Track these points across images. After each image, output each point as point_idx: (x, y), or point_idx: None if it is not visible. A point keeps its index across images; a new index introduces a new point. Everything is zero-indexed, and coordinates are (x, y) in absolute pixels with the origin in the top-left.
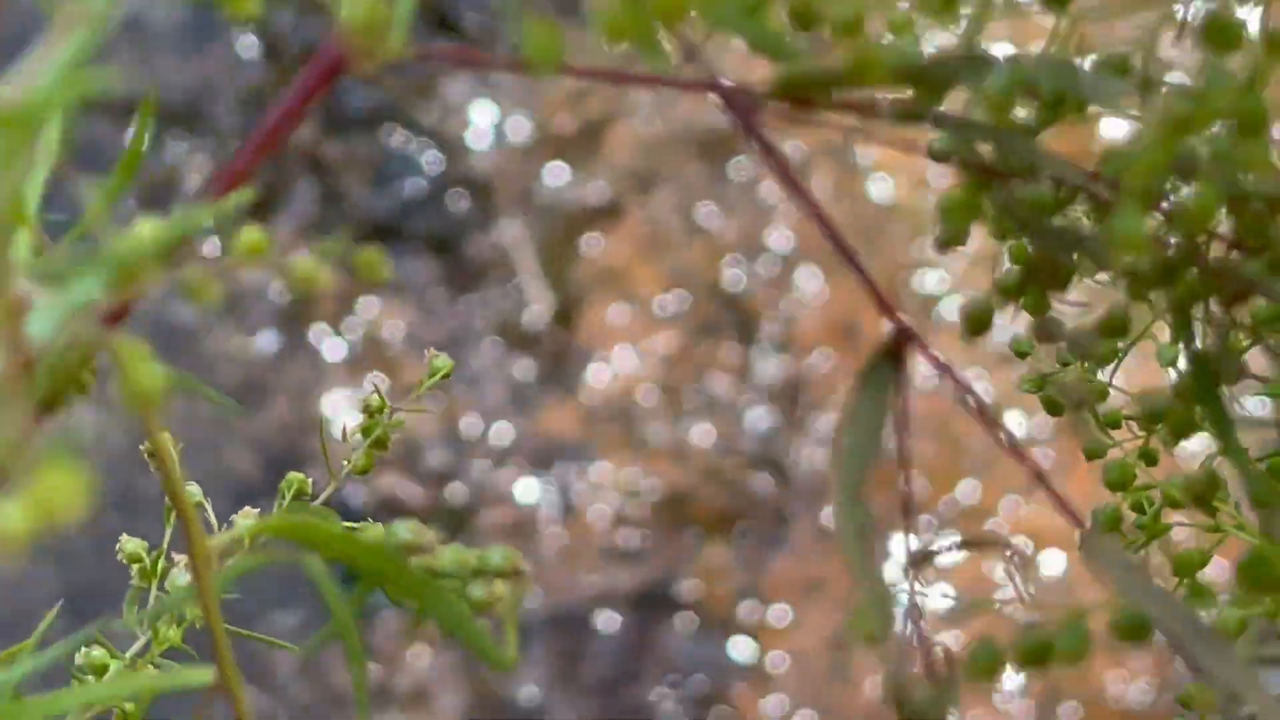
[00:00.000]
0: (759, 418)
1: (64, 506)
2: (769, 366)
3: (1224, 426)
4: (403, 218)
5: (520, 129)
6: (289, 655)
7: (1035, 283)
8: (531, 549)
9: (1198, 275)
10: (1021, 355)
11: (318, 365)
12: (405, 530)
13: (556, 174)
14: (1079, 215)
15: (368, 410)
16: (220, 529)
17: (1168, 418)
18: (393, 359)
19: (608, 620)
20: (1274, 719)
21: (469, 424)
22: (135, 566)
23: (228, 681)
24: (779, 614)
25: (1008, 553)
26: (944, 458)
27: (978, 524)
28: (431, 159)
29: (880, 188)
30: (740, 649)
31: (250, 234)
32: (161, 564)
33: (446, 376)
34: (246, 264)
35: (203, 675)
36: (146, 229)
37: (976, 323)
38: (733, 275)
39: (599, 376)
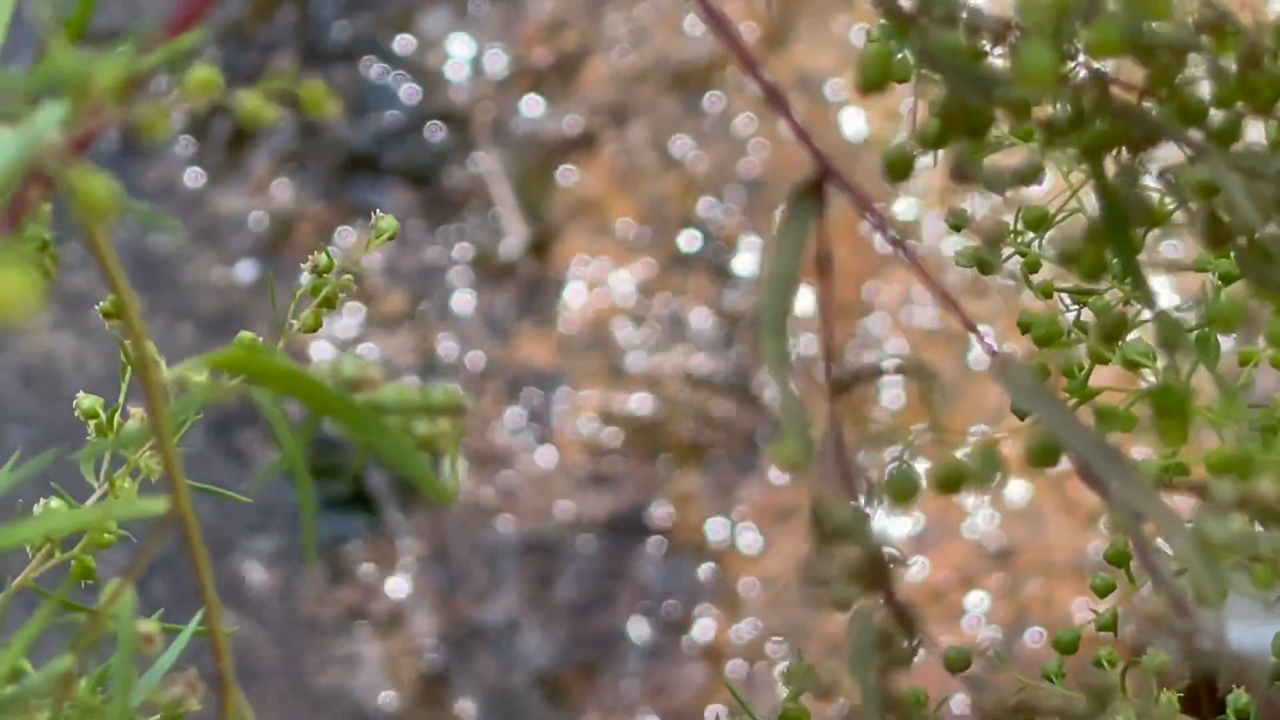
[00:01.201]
0: (731, 346)
1: (16, 303)
2: (740, 296)
3: (1132, 267)
4: (380, 149)
5: (497, 62)
6: (263, 579)
7: (954, 130)
8: (506, 476)
9: (1107, 122)
10: (956, 229)
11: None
12: (351, 365)
13: (532, 106)
14: (996, 62)
15: (315, 270)
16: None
17: (1080, 259)
18: (370, 289)
19: (580, 546)
20: (1176, 536)
21: (445, 351)
22: (92, 422)
23: (184, 517)
24: (750, 540)
25: (926, 379)
26: (911, 389)
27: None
28: (409, 91)
29: (851, 122)
30: (711, 574)
31: (202, 71)
32: (118, 419)
33: (391, 238)
34: (197, 98)
35: (157, 505)
36: (105, 62)
37: (897, 168)
38: (706, 206)
39: (573, 306)
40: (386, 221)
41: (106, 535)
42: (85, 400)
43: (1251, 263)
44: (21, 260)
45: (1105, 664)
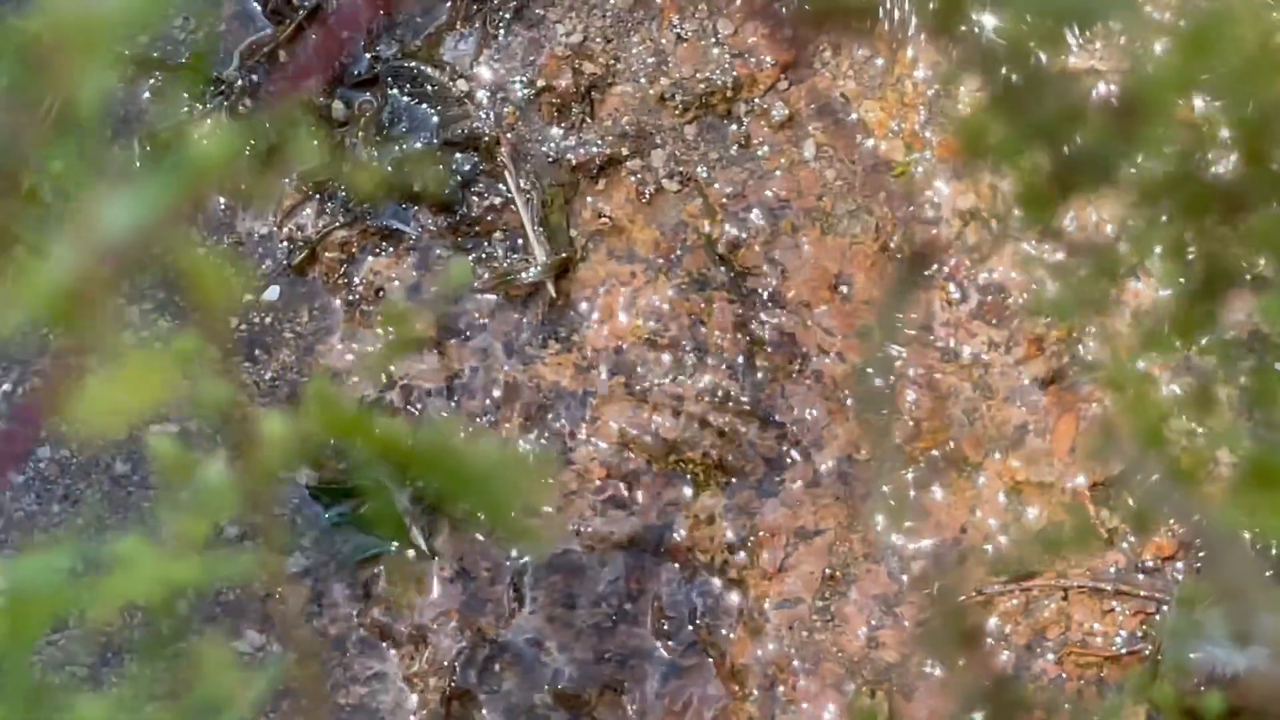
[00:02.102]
0: (753, 369)
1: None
2: (762, 318)
3: None
4: (406, 173)
5: (521, 88)
6: (289, 597)
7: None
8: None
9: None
10: None
11: (324, 316)
12: (448, 427)
13: (556, 132)
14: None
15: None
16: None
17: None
18: (395, 312)
19: (603, 566)
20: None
21: (469, 374)
22: (166, 465)
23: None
24: (771, 560)
25: None
26: (934, 412)
27: (961, 471)
28: (435, 115)
29: (875, 146)
30: (733, 596)
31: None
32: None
33: (462, 283)
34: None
35: (248, 564)
36: (214, 137)
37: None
38: (727, 230)
39: (595, 330)
40: (459, 269)
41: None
42: (161, 443)
43: None
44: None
45: None
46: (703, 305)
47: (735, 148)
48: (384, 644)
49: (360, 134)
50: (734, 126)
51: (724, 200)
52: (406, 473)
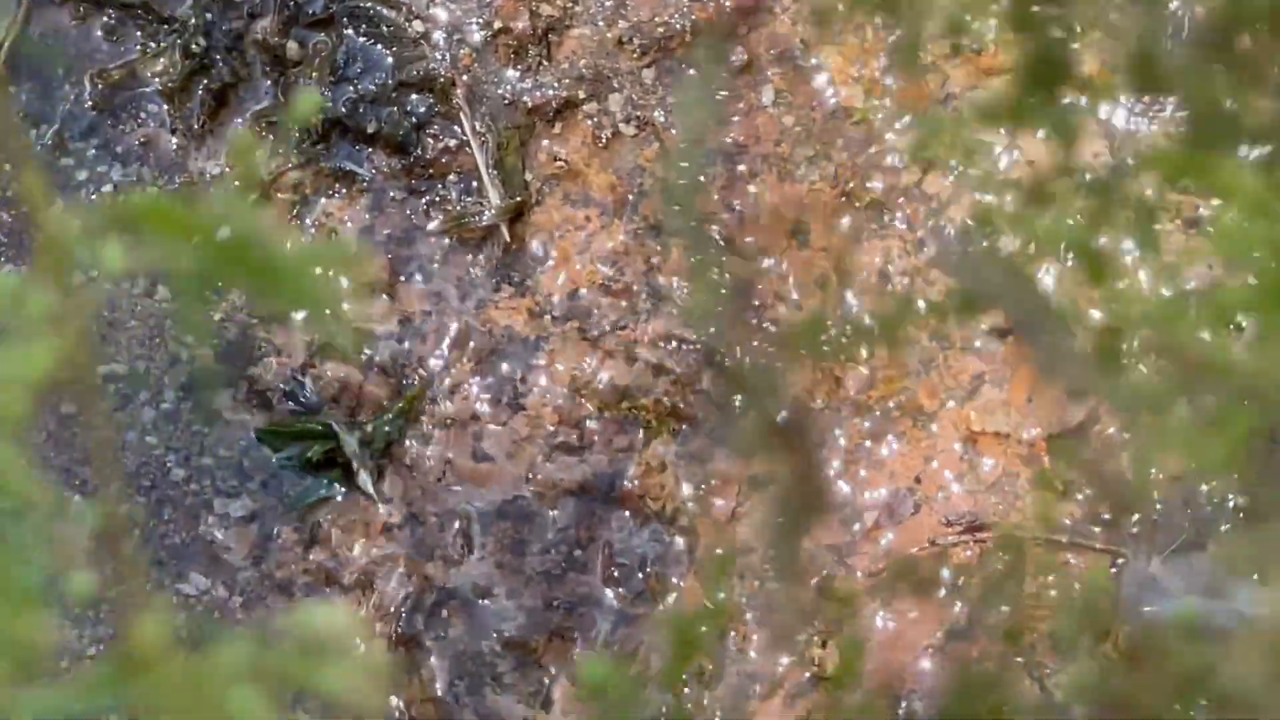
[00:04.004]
0: (709, 316)
1: None
2: (718, 265)
3: None
4: (360, 114)
5: (478, 30)
6: (237, 543)
7: None
8: (479, 442)
9: None
10: None
11: None
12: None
13: (513, 75)
14: None
15: None
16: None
17: None
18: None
19: (553, 513)
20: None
21: (421, 317)
22: None
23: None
24: (723, 509)
25: None
26: (890, 361)
27: (916, 421)
28: (390, 56)
29: (833, 93)
30: (683, 543)
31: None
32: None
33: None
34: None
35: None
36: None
37: None
38: (684, 176)
39: (549, 274)
40: (306, 99)
41: None
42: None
43: None
44: None
45: None
46: (658, 251)
47: (693, 92)
48: (329, 589)
49: (314, 74)
50: (691, 71)
51: (681, 145)
52: (215, 270)
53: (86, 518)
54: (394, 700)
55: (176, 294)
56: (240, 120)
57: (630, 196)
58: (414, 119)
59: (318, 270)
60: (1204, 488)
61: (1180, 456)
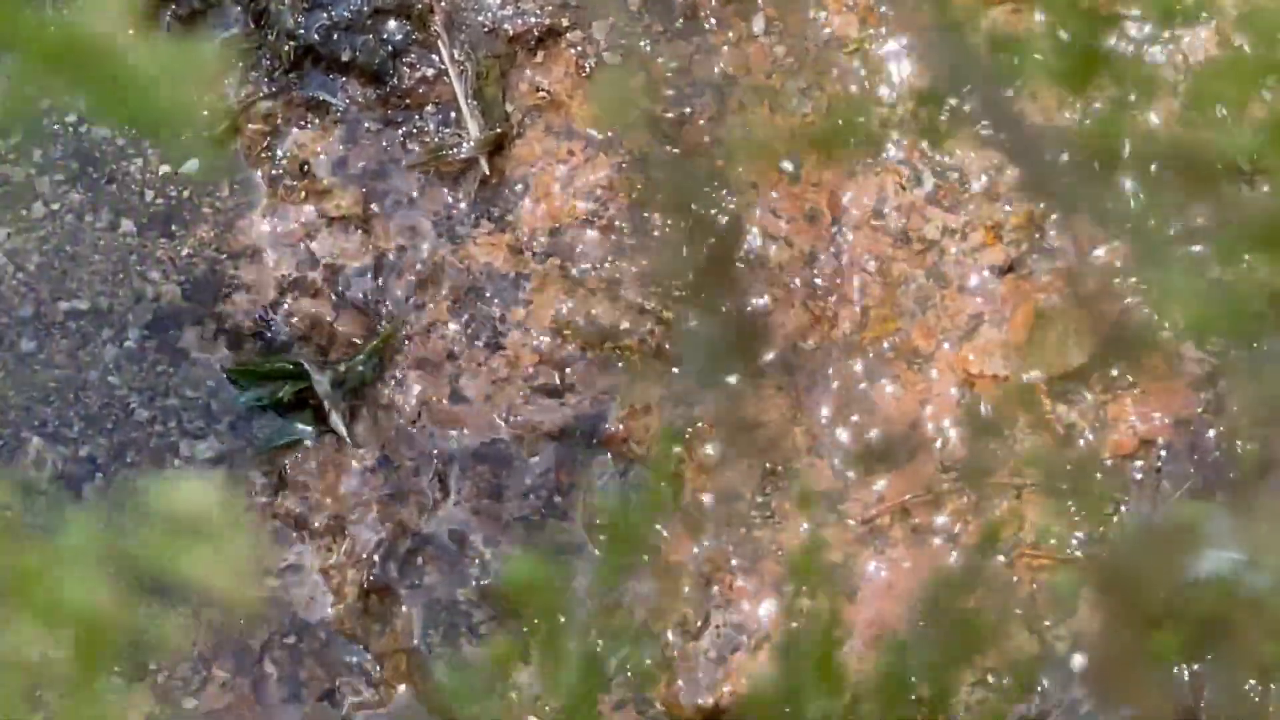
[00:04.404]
0: (695, 252)
1: None
2: (706, 200)
3: None
4: (334, 41)
5: None
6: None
7: None
8: (456, 384)
9: None
10: None
11: (245, 191)
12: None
13: (494, 2)
14: None
15: None
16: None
17: None
18: (321, 187)
19: (533, 457)
20: None
21: (396, 253)
22: None
23: None
24: (709, 453)
25: None
26: (885, 300)
27: (911, 363)
28: None
29: (826, 21)
30: (668, 489)
31: None
32: None
33: None
34: None
35: None
36: None
37: None
38: (671, 108)
39: (530, 209)
40: None
41: None
42: None
43: None
44: None
45: None
46: (644, 185)
47: (681, 20)
48: (299, 534)
49: (287, 0)
50: None
51: (668, 75)
52: (54, 74)
53: None
54: (365, 650)
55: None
56: (209, 46)
57: (615, 129)
58: (390, 47)
59: (174, 83)
60: (1211, 433)
61: (1182, 311)
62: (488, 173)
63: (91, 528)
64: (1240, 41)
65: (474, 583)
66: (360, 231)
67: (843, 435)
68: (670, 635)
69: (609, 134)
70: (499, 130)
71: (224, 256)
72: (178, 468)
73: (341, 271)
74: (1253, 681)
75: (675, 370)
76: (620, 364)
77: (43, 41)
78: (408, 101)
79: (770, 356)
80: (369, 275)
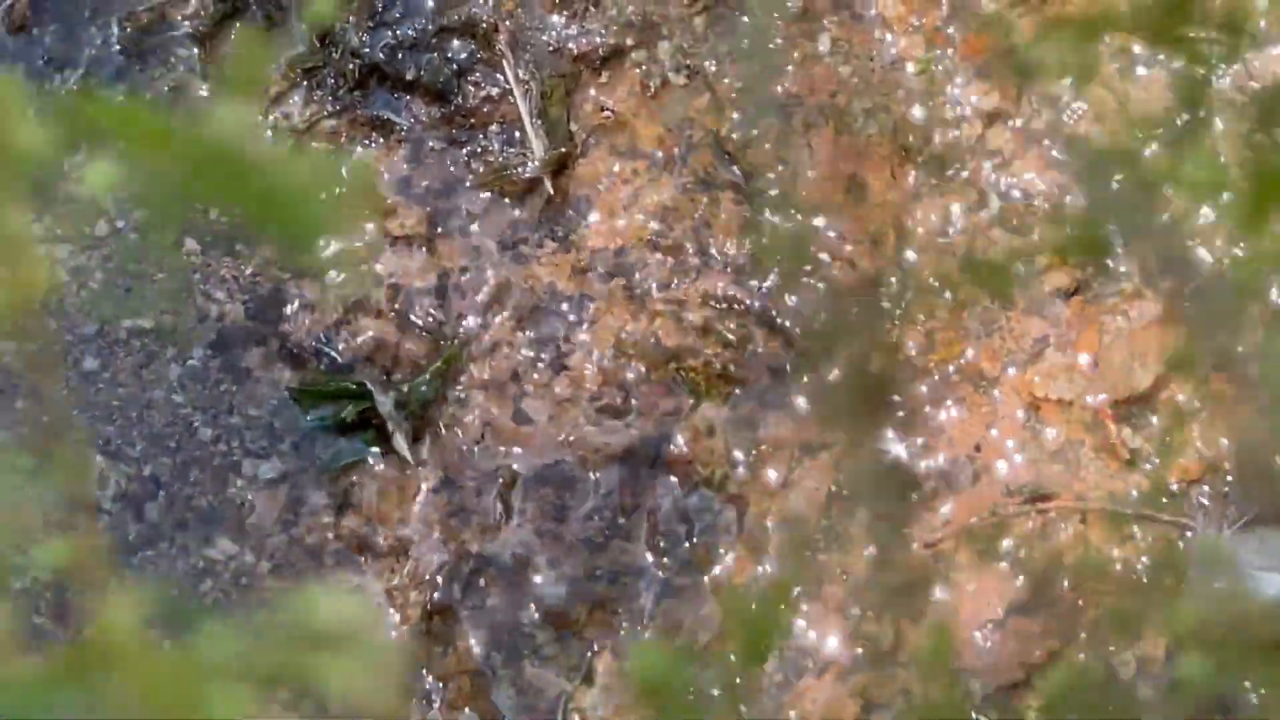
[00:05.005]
0: (760, 274)
1: None
2: (771, 221)
3: None
4: (399, 60)
5: None
6: (263, 505)
7: None
8: (520, 404)
9: None
10: None
11: None
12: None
13: (558, 21)
14: None
15: None
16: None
17: None
18: (387, 205)
19: (596, 479)
20: None
21: (459, 274)
22: None
23: None
24: (773, 477)
25: None
26: (950, 322)
27: (976, 386)
28: (431, 2)
29: (892, 42)
30: (732, 512)
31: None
32: None
33: None
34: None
35: None
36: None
37: None
38: (736, 128)
39: (595, 230)
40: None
41: None
42: None
43: None
44: None
45: None
46: (708, 206)
47: (746, 41)
48: (362, 556)
49: (352, 18)
50: (745, 18)
51: (733, 95)
52: (198, 188)
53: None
54: (427, 675)
55: (145, 214)
56: (275, 66)
57: (680, 149)
58: (455, 66)
59: (322, 193)
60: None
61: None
62: (552, 192)
63: (231, 641)
64: None
65: (537, 604)
66: (424, 251)
67: (907, 458)
68: (733, 659)
69: (674, 154)
70: (563, 150)
71: (288, 276)
72: (317, 583)
73: (405, 291)
74: None
75: (740, 392)
76: (685, 385)
77: (190, 153)
78: (472, 121)
79: (835, 377)
80: (433, 295)
